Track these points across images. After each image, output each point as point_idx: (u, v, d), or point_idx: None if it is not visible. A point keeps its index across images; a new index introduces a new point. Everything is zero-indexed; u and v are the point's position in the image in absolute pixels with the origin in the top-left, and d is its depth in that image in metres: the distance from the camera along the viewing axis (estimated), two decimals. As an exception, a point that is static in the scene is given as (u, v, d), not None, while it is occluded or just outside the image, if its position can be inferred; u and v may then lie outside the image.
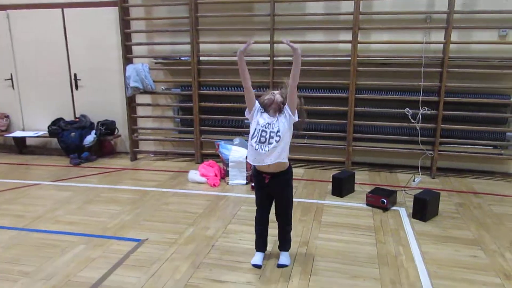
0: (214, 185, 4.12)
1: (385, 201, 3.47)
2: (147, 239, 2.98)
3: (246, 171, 4.13)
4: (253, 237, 2.65)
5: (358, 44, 4.30)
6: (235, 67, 4.96)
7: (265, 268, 2.57)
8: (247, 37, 4.69)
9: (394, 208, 3.56)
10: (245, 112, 2.47)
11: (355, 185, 4.00)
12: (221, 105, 4.85)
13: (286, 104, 2.37)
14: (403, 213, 3.46)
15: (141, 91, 4.93)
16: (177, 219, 3.33)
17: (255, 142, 2.37)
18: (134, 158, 5.23)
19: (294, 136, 2.51)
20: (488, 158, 4.50)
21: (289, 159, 2.48)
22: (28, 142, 5.69)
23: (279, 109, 2.38)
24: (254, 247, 2.66)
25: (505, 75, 4.28)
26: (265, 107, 2.41)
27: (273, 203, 2.58)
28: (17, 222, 3.28)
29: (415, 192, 3.55)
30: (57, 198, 3.82)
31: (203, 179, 4.21)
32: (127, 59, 4.91)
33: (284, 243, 2.66)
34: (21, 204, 3.70)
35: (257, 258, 2.63)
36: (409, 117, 4.32)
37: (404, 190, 3.94)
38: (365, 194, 3.66)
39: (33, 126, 5.68)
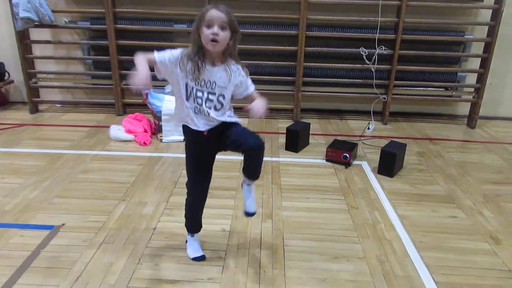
0: (145, 143, 3.37)
1: (347, 156, 3.07)
2: (63, 224, 2.24)
3: (183, 125, 3.43)
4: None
5: (311, -30, 3.63)
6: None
7: (228, 255, 2.03)
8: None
9: (355, 162, 3.20)
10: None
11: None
12: (145, 43, 3.90)
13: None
14: (367, 168, 3.11)
15: (36, 23, 3.79)
16: (102, 193, 2.59)
17: (191, 109, 1.68)
18: (34, 110, 4.18)
19: None
20: (439, 100, 4.31)
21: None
22: None
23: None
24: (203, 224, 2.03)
25: (462, 10, 3.97)
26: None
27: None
28: None
29: (370, 141, 3.20)
30: None
31: (130, 137, 3.43)
32: (12, -22, 3.68)
33: (251, 169, 1.80)
34: None
35: (194, 247, 2.01)
36: (364, 57, 3.88)
37: (361, 141, 3.59)
38: (322, 148, 3.26)
39: None
